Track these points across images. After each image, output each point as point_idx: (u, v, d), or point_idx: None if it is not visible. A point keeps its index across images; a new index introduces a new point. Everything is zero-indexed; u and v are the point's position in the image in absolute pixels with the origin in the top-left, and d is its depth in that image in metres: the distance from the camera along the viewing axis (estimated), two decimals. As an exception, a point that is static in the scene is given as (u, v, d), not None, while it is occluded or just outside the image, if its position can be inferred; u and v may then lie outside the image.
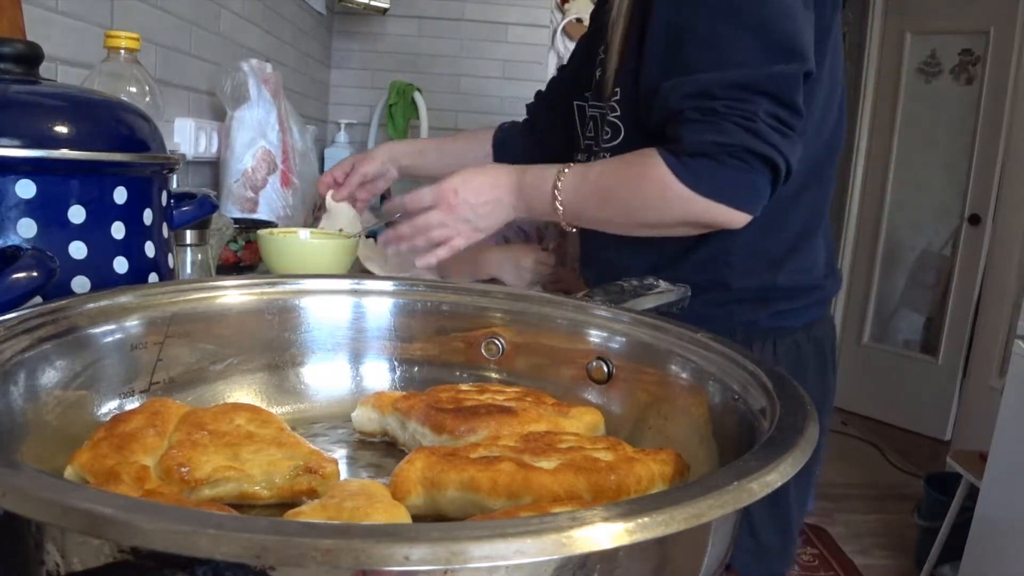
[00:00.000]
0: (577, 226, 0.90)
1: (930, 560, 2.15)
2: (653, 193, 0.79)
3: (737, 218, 0.78)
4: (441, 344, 0.60)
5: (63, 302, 0.46)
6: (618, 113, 0.89)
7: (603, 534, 0.24)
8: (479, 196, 0.87)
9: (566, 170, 0.85)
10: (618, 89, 0.89)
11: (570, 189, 0.84)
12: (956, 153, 3.30)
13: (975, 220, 3.22)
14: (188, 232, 0.87)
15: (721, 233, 0.83)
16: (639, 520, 0.24)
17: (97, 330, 0.47)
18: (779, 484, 0.27)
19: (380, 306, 0.61)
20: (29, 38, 0.82)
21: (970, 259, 3.23)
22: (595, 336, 0.55)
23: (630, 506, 0.25)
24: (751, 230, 0.82)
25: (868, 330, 3.68)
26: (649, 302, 0.59)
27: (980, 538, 1.87)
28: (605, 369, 0.54)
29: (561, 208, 0.84)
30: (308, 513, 0.36)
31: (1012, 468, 1.79)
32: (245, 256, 1.16)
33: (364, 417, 0.52)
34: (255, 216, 1.45)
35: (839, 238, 3.80)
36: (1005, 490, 1.81)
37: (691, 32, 0.77)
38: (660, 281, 0.63)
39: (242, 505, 0.40)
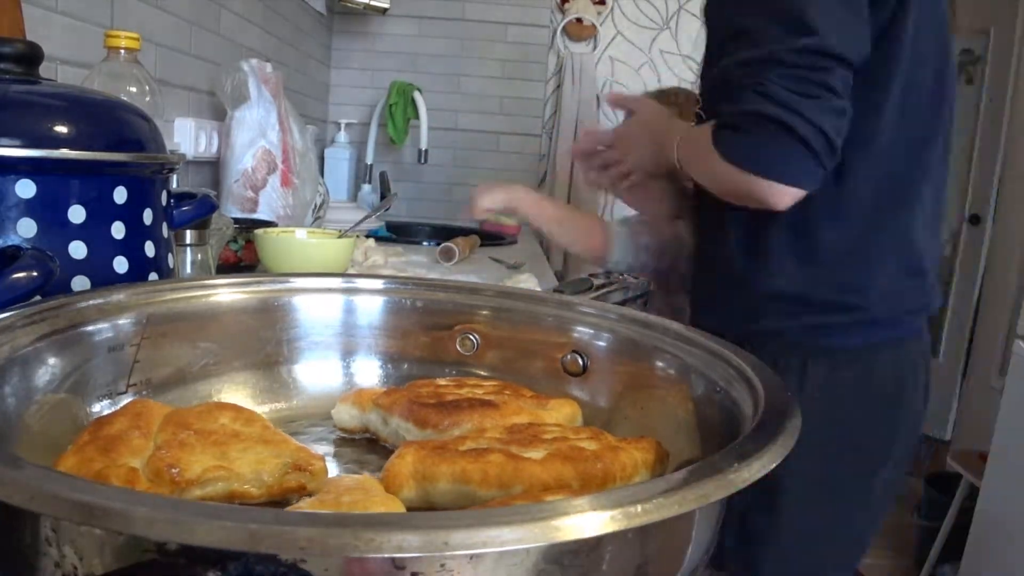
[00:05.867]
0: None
1: (930, 560, 2.15)
2: (707, 165, 0.86)
3: (775, 190, 0.79)
4: (431, 341, 0.61)
5: (50, 302, 0.46)
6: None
7: (594, 521, 0.24)
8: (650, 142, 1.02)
9: (682, 135, 0.95)
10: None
11: (681, 154, 0.94)
12: (956, 153, 3.26)
13: (975, 220, 3.22)
14: (188, 232, 0.87)
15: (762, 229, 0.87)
16: (628, 508, 0.25)
17: (86, 329, 0.47)
18: (761, 475, 0.28)
19: (370, 304, 0.61)
20: (29, 38, 0.83)
21: (970, 259, 3.23)
22: (573, 331, 0.56)
23: (620, 494, 0.26)
24: (787, 227, 0.85)
25: (868, 330, 3.67)
26: (615, 296, 0.61)
27: (980, 538, 1.88)
28: (580, 362, 0.55)
29: (680, 166, 0.94)
30: (307, 509, 0.36)
31: (1012, 468, 1.79)
32: (245, 256, 1.16)
33: (345, 414, 0.52)
34: (255, 216, 1.45)
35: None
36: (1005, 490, 1.81)
37: (728, 28, 0.84)
38: (624, 276, 0.66)
39: (231, 504, 0.40)
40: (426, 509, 0.40)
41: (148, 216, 0.61)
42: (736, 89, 0.79)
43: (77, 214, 0.55)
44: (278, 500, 0.41)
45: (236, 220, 1.24)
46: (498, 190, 1.27)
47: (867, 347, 0.88)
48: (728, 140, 0.81)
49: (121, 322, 0.50)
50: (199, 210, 0.71)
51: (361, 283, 0.62)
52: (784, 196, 0.80)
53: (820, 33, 0.76)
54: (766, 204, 0.82)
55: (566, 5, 2.63)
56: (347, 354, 0.60)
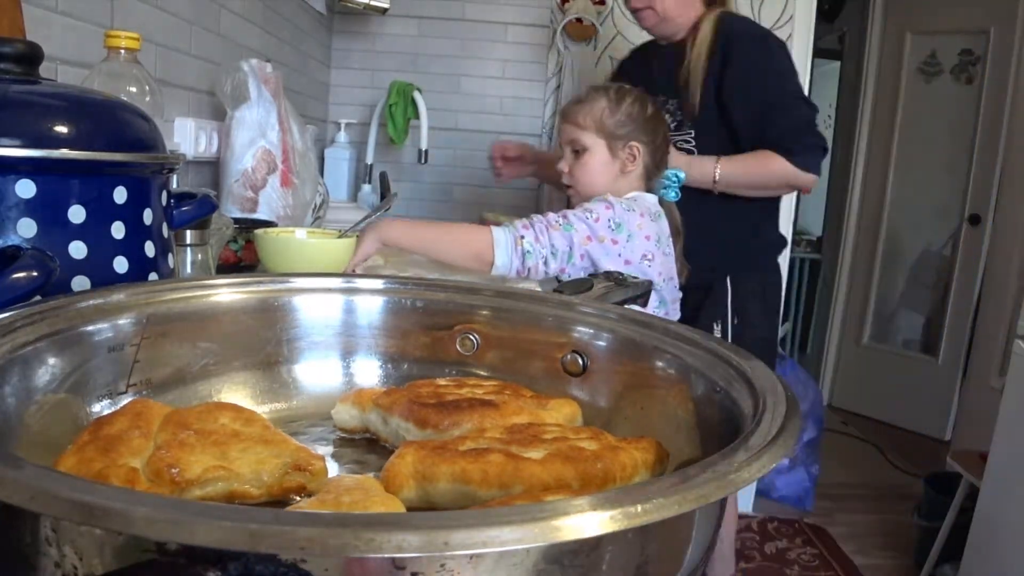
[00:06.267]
0: (723, 191, 1.61)
1: (930, 560, 2.15)
2: (764, 170, 1.56)
3: (812, 179, 1.55)
4: (431, 341, 0.61)
5: (50, 302, 0.46)
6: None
7: (594, 521, 0.24)
8: None
9: (719, 161, 1.58)
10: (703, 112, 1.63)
11: (725, 173, 1.58)
12: (956, 153, 3.30)
13: (975, 220, 3.22)
14: (188, 232, 0.87)
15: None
16: (628, 508, 0.25)
17: (86, 329, 0.47)
18: (761, 475, 0.28)
19: (370, 304, 0.61)
20: (29, 38, 0.83)
21: (970, 259, 3.23)
22: (573, 331, 0.56)
23: (620, 494, 0.26)
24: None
25: (868, 330, 3.68)
26: (617, 295, 0.61)
27: (980, 538, 1.88)
28: (580, 362, 0.55)
29: (717, 186, 1.59)
30: (307, 509, 0.36)
31: (1012, 468, 1.79)
32: (245, 256, 1.16)
33: (345, 414, 0.52)
34: (255, 216, 1.45)
35: (839, 238, 3.80)
36: (1005, 490, 1.81)
37: (767, 97, 1.56)
38: (625, 275, 0.66)
39: (232, 504, 0.40)
40: (426, 509, 0.40)
41: (148, 216, 0.61)
42: (795, 135, 1.53)
43: (77, 214, 0.55)
44: (278, 500, 0.41)
45: (236, 220, 1.24)
46: (364, 237, 1.34)
47: (763, 272, 1.75)
48: (801, 160, 1.51)
49: (121, 322, 0.50)
50: (199, 210, 0.72)
51: (361, 283, 0.62)
52: (814, 182, 1.56)
53: (813, 106, 1.59)
54: (804, 188, 1.61)
55: (566, 5, 2.63)
56: (347, 354, 0.60)
